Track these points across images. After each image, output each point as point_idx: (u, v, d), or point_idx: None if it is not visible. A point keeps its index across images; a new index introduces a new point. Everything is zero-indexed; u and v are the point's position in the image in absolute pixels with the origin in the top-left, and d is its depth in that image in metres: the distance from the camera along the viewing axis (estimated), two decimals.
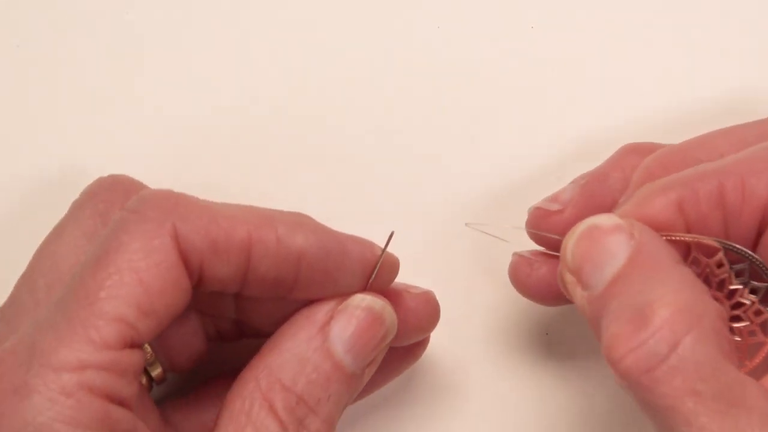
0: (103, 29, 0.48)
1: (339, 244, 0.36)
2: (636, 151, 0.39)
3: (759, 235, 0.34)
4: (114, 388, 0.32)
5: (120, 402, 0.32)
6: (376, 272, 0.37)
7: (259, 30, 0.48)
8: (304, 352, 0.35)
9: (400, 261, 0.38)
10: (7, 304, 0.36)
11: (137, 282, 0.33)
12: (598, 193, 0.39)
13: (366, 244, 0.37)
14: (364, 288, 0.37)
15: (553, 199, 0.39)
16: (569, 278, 0.35)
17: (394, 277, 0.38)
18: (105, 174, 0.40)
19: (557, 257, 0.36)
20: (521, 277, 0.40)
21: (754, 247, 0.35)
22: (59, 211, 0.39)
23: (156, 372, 0.37)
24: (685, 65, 0.47)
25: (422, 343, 0.41)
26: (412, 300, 0.38)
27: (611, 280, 0.33)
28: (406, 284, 0.39)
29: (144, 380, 0.37)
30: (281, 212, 0.36)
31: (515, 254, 0.40)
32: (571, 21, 0.48)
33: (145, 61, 0.48)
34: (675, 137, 0.40)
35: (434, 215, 0.45)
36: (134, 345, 0.33)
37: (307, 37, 0.48)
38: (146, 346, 0.37)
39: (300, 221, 0.35)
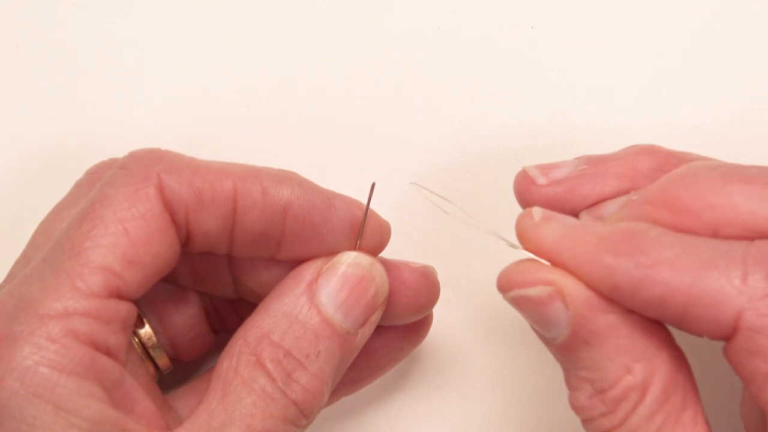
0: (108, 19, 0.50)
1: (325, 199, 0.36)
2: (648, 153, 0.36)
3: None
4: (100, 335, 0.32)
5: (107, 351, 0.32)
6: (363, 229, 0.37)
7: (263, 25, 0.50)
8: (292, 309, 0.35)
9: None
10: (5, 280, 0.37)
11: (122, 232, 0.33)
12: (588, 183, 0.36)
13: (353, 202, 0.37)
14: (353, 248, 0.37)
15: (546, 169, 0.37)
16: None
17: (385, 241, 0.38)
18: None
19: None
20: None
21: None
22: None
23: (161, 360, 0.37)
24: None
25: (425, 324, 0.40)
26: (410, 273, 0.38)
27: (561, 345, 0.33)
28: (405, 260, 0.39)
29: (150, 368, 0.37)
30: (267, 168, 0.36)
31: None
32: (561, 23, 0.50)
33: (149, 51, 0.50)
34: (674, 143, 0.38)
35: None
36: (121, 295, 0.33)
37: (307, 36, 0.50)
38: (148, 328, 0.37)
39: (286, 175, 0.36)
